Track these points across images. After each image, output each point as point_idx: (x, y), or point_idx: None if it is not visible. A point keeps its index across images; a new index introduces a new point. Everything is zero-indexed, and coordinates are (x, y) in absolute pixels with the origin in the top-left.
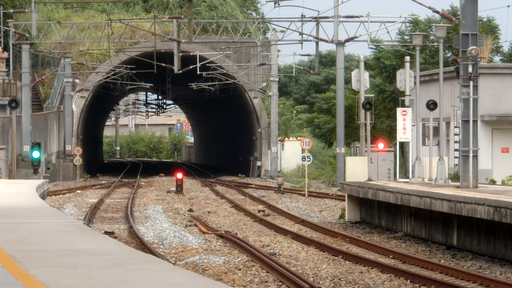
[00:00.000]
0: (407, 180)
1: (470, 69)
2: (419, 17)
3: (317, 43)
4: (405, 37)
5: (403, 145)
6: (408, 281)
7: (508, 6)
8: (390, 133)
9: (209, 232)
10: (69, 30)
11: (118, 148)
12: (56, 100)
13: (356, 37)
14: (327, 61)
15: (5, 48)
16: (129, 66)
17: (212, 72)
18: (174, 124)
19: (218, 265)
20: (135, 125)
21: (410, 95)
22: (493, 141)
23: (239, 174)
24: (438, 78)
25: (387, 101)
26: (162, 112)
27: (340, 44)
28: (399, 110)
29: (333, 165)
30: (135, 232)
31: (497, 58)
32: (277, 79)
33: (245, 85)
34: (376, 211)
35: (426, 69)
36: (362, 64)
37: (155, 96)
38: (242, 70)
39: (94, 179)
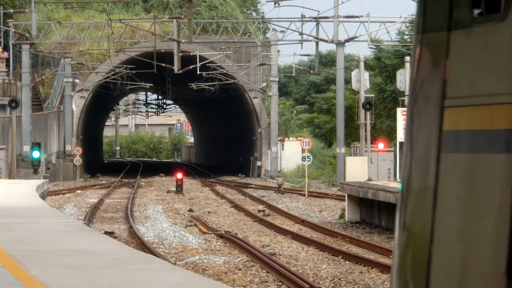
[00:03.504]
0: None
1: None
2: None
3: (317, 43)
4: (405, 37)
5: (403, 145)
6: None
7: None
8: (390, 133)
9: (209, 232)
10: (69, 30)
11: (118, 148)
12: (56, 100)
13: (356, 37)
14: (327, 61)
15: (5, 48)
16: (129, 66)
17: (212, 72)
18: (174, 124)
19: (218, 265)
20: (135, 125)
21: None
22: None
23: (239, 174)
24: None
25: (387, 101)
26: (162, 112)
27: (340, 44)
28: (399, 110)
29: (333, 165)
30: (135, 232)
31: None
32: (277, 79)
33: (245, 85)
34: (376, 211)
35: None
36: (362, 64)
37: (155, 96)
38: (242, 70)
39: (94, 179)
